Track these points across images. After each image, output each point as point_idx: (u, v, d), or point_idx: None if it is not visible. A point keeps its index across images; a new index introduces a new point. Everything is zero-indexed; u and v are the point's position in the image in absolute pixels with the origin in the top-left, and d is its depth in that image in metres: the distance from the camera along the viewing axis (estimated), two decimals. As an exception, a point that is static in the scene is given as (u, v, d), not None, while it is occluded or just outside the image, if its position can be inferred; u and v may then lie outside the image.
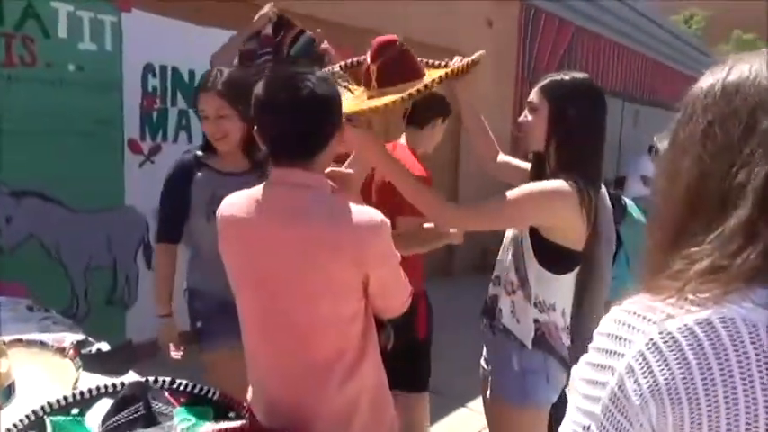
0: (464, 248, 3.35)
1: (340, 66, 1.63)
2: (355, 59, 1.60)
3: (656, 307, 0.58)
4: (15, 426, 1.19)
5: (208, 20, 3.22)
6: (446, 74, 1.48)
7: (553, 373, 1.59)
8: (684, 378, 0.53)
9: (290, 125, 1.23)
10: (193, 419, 1.29)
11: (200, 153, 1.97)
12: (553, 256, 1.54)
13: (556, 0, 6.89)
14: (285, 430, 1.29)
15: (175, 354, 1.95)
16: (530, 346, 1.58)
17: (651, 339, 0.56)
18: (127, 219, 3.17)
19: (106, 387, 1.39)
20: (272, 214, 1.28)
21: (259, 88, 1.24)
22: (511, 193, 1.48)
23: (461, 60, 1.53)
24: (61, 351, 1.57)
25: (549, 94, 1.55)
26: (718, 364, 0.53)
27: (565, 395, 1.64)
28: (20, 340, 1.59)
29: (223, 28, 3.27)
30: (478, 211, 1.58)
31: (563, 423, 0.63)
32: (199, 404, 1.43)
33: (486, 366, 1.78)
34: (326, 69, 1.61)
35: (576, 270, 1.57)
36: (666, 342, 0.55)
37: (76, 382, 1.45)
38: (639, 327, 0.57)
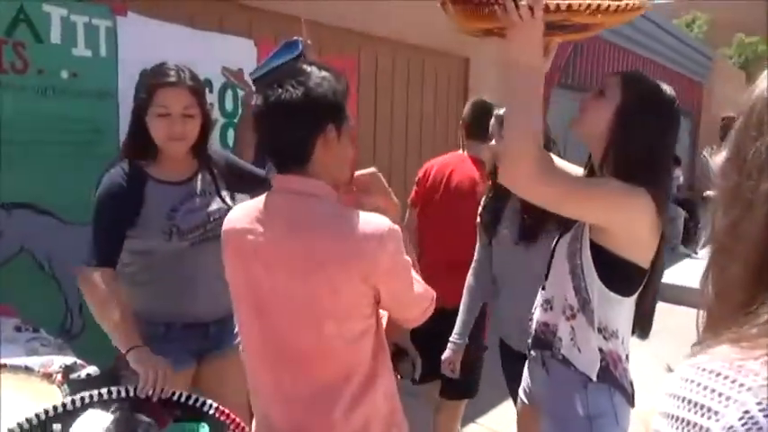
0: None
1: None
2: None
3: (749, 367, 0.45)
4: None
5: (205, 24, 3.13)
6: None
7: (622, 414, 1.41)
8: None
9: (269, 133, 1.24)
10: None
11: (142, 162, 1.79)
12: (618, 274, 1.35)
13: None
14: None
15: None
16: (594, 379, 1.39)
17: (747, 412, 0.44)
18: (123, 230, 3.05)
19: (92, 397, 1.29)
20: (275, 225, 1.20)
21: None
22: (594, 181, 1.33)
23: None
24: (48, 377, 1.47)
25: (626, 84, 1.36)
26: None
27: None
28: (4, 365, 1.49)
29: (220, 32, 3.19)
30: (561, 185, 1.32)
31: None
32: (194, 420, 1.36)
33: (526, 400, 1.62)
34: None
35: (638, 292, 1.39)
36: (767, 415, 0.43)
37: (63, 410, 1.35)
38: (728, 394, 0.45)
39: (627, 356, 1.44)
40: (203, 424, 1.34)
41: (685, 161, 10.69)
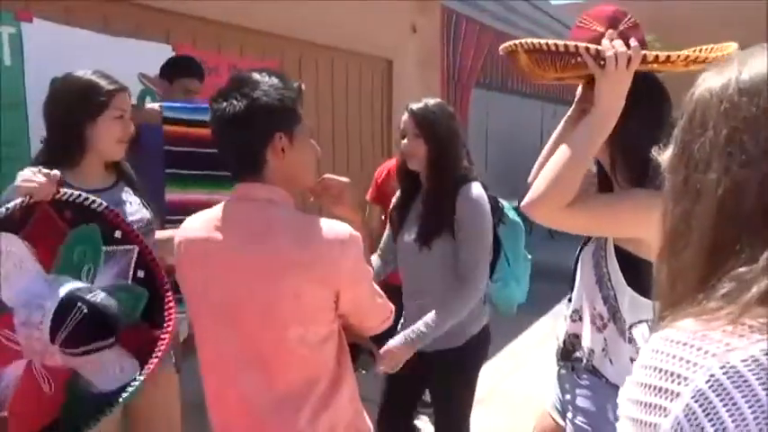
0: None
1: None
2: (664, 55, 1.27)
3: (712, 336, 0.50)
4: None
5: (116, 29, 3.01)
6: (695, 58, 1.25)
7: None
8: (757, 419, 0.46)
9: (218, 145, 1.25)
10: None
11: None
12: (646, 276, 1.36)
13: (475, 6, 7.03)
14: None
15: None
16: None
17: (712, 375, 0.48)
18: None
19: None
20: (234, 233, 1.19)
21: None
22: (617, 197, 1.32)
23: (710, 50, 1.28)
24: None
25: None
26: None
27: None
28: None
29: (133, 37, 3.08)
30: (587, 210, 1.29)
31: None
32: (85, 222, 1.52)
33: (560, 420, 1.54)
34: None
35: None
36: (731, 378, 0.48)
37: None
38: (695, 360, 0.50)
39: None
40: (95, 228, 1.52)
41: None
